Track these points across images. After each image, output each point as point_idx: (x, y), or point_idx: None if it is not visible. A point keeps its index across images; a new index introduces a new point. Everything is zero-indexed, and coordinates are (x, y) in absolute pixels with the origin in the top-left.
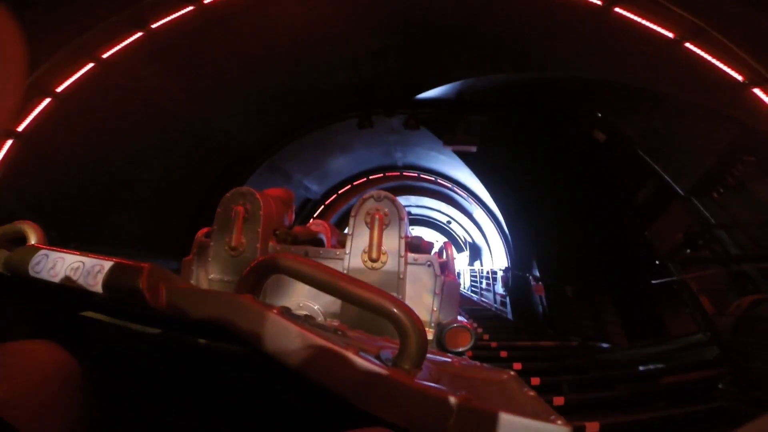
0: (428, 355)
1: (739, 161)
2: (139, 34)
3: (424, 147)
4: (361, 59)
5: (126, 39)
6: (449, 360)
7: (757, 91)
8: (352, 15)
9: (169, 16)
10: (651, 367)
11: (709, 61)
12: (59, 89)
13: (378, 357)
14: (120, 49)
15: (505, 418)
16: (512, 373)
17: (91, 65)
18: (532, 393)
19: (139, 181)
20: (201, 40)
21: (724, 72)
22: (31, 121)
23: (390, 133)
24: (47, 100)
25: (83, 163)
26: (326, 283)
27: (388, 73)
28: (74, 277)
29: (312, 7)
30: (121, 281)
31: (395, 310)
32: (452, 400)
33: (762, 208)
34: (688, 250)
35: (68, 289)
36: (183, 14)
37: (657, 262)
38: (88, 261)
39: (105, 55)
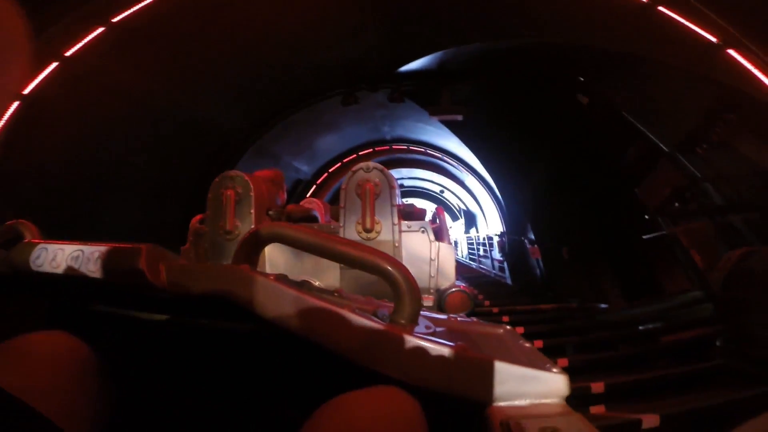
0: (425, 313)
1: (720, 119)
2: (101, 29)
3: (411, 119)
4: (341, 37)
5: (91, 33)
6: (445, 317)
7: (731, 52)
8: None
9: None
10: (650, 326)
11: (685, 24)
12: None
13: (375, 314)
14: (85, 45)
15: (502, 366)
16: (508, 327)
17: (55, 64)
18: (528, 344)
19: (128, 174)
20: (178, 27)
21: (700, 34)
22: (5, 124)
23: (376, 108)
24: (16, 103)
25: (69, 160)
26: (320, 245)
27: (368, 48)
28: (75, 266)
29: None
30: (121, 263)
31: (387, 267)
32: (448, 350)
33: (743, 161)
34: (677, 204)
35: (72, 278)
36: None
37: (647, 217)
38: (87, 248)
39: (68, 53)
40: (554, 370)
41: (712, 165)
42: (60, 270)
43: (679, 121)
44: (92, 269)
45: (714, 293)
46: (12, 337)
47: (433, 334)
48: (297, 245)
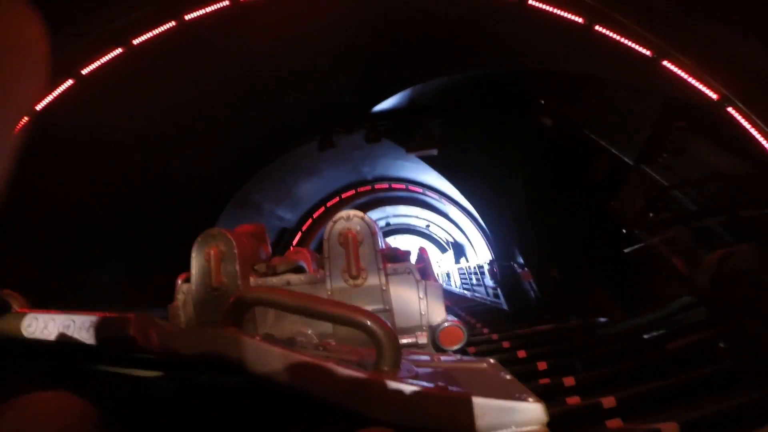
0: (411, 357)
1: (671, 127)
2: (70, 82)
3: (390, 157)
4: (314, 83)
5: (57, 88)
6: (428, 357)
7: (666, 63)
8: (295, 44)
9: (97, 61)
10: (654, 334)
11: (620, 41)
12: None
13: (359, 364)
14: (56, 99)
15: (480, 401)
16: (491, 360)
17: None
18: (509, 376)
19: (109, 237)
20: (154, 75)
21: (635, 50)
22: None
23: (354, 149)
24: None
25: (50, 227)
26: (301, 307)
27: (341, 91)
28: (69, 333)
29: (255, 38)
30: (111, 332)
31: (365, 321)
32: (428, 391)
33: (702, 165)
34: (651, 214)
35: (66, 344)
36: (112, 57)
37: (624, 231)
38: (78, 318)
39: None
40: (530, 399)
41: (676, 172)
42: (53, 337)
43: (634, 133)
44: (85, 336)
45: (704, 297)
46: (12, 398)
47: (415, 376)
48: (280, 308)
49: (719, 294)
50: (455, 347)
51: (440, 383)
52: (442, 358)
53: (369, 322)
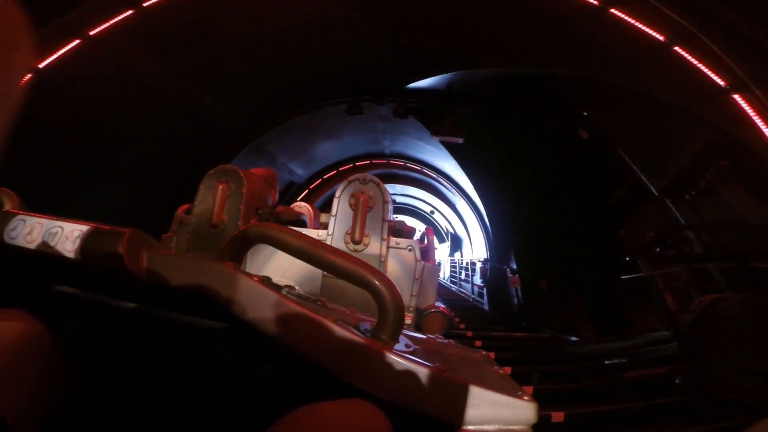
0: (405, 332)
1: (712, 165)
2: (129, 12)
3: (412, 136)
4: (354, 44)
5: (115, 17)
6: (424, 337)
7: (736, 96)
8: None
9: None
10: (615, 361)
11: (695, 65)
12: (42, 65)
13: (357, 327)
14: (109, 27)
15: (476, 390)
16: (484, 352)
17: (77, 42)
18: (502, 371)
19: (119, 156)
20: (192, 18)
21: (708, 77)
22: None
23: (379, 120)
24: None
25: (59, 133)
26: (309, 252)
27: (380, 60)
28: (51, 243)
29: None
30: (100, 246)
31: (376, 282)
32: (426, 371)
33: (727, 211)
34: (657, 249)
35: (43, 256)
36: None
37: (627, 259)
38: (67, 226)
39: (92, 32)
40: (525, 397)
41: (697, 211)
42: (33, 245)
43: (671, 164)
44: (69, 249)
45: (682, 334)
46: None
47: (413, 352)
48: (286, 249)
49: (698, 333)
50: (438, 335)
51: (438, 365)
52: (438, 341)
53: (380, 284)
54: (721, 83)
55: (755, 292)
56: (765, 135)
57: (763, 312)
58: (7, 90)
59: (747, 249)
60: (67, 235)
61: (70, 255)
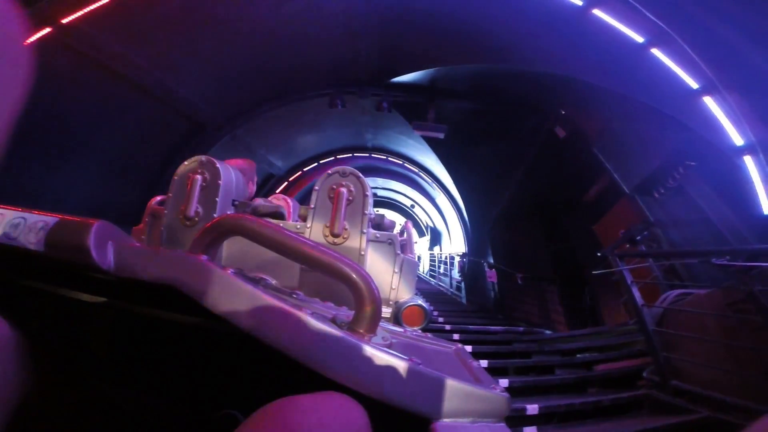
0: (383, 324)
1: (681, 165)
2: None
3: (395, 131)
4: (338, 38)
5: (90, 5)
6: (401, 330)
7: (707, 98)
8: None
9: None
10: (587, 355)
11: (669, 68)
12: None
13: (333, 320)
14: (83, 15)
15: (450, 384)
16: (459, 345)
17: (48, 30)
18: (476, 363)
19: (91, 146)
20: (169, 7)
21: (681, 79)
22: None
23: (362, 113)
24: None
25: (26, 122)
26: (286, 245)
27: (364, 54)
28: (13, 235)
29: None
30: (65, 238)
31: (352, 275)
32: (403, 364)
33: (694, 209)
34: (628, 245)
35: (5, 249)
36: None
37: (599, 255)
38: (30, 217)
39: (65, 20)
40: (497, 390)
41: (666, 209)
42: None
43: (643, 163)
44: (32, 240)
45: (647, 328)
46: None
47: (390, 345)
48: (261, 241)
49: (663, 328)
50: (416, 328)
51: (414, 359)
52: (414, 334)
53: (356, 277)
54: (694, 86)
55: (716, 288)
56: (731, 137)
57: (723, 307)
58: (7, 90)
59: (710, 246)
60: (30, 227)
61: (34, 247)
